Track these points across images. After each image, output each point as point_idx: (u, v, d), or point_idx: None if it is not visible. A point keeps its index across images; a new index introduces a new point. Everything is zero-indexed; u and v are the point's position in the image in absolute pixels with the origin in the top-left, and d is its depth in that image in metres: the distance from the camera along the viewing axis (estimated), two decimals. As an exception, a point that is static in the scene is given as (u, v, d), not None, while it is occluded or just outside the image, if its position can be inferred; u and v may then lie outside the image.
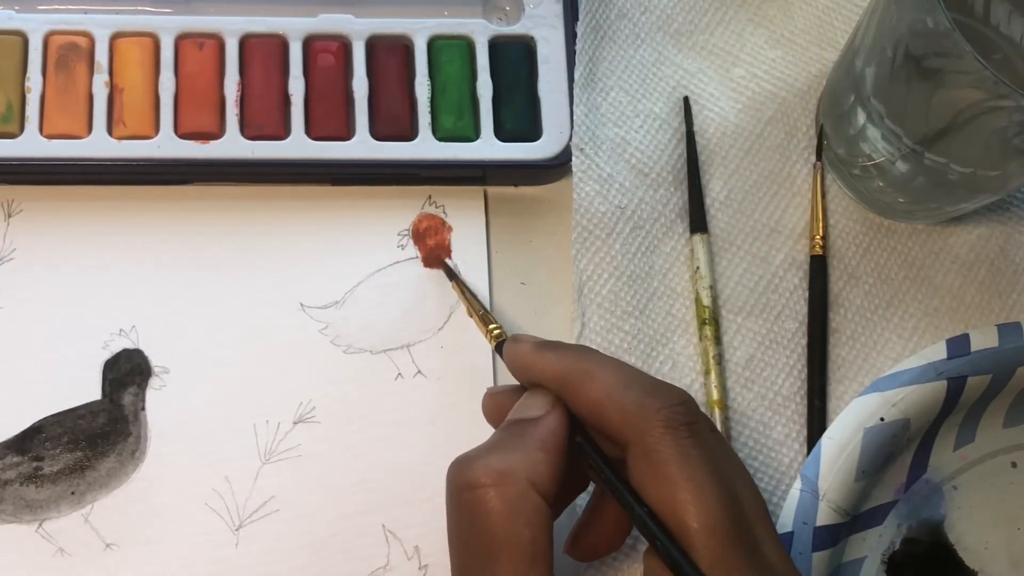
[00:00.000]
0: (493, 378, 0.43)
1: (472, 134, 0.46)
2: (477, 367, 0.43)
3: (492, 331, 0.39)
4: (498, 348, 0.39)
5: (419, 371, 0.43)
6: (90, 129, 0.44)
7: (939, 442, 0.43)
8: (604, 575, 0.40)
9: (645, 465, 0.31)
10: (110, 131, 0.44)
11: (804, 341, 0.45)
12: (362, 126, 0.45)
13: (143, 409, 0.42)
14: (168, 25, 0.45)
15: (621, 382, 0.32)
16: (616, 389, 0.32)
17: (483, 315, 0.41)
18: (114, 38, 0.45)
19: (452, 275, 0.44)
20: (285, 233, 0.45)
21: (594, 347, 0.43)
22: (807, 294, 0.45)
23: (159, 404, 0.42)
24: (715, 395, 0.43)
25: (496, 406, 0.36)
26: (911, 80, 0.39)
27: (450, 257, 0.45)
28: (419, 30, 0.47)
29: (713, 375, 0.43)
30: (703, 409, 0.43)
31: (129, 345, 0.43)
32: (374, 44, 0.47)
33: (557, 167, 0.46)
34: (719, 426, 0.42)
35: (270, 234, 0.45)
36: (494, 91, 0.46)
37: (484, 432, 0.42)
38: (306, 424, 0.42)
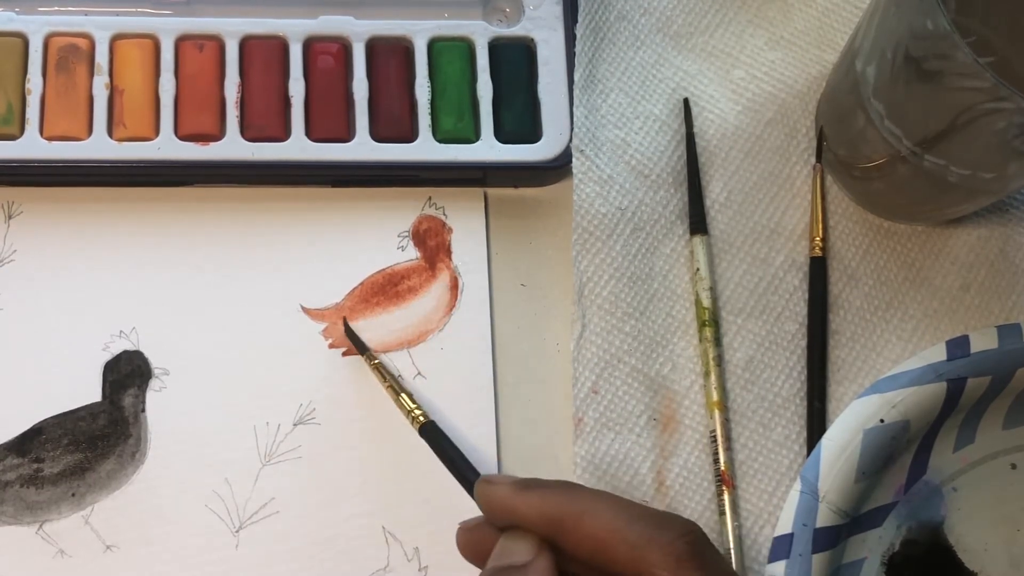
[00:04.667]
0: (493, 381, 0.43)
1: (472, 136, 0.46)
2: (477, 368, 0.43)
3: (413, 414, 0.40)
4: (421, 431, 0.40)
5: (419, 372, 0.43)
6: (90, 131, 0.44)
7: (939, 443, 0.43)
8: None
9: None
10: (110, 133, 0.44)
11: (804, 342, 0.45)
12: (362, 128, 0.45)
13: (143, 411, 0.42)
14: (168, 27, 0.45)
15: (623, 516, 0.31)
16: (619, 524, 0.31)
17: (403, 397, 0.41)
18: (114, 40, 0.45)
19: (363, 349, 0.43)
20: (285, 235, 0.45)
21: (594, 348, 0.43)
22: (807, 296, 0.45)
23: (159, 406, 0.42)
24: (715, 396, 0.43)
25: (475, 543, 0.35)
26: (911, 82, 0.39)
27: (450, 258, 0.45)
28: (419, 32, 0.47)
29: (713, 376, 0.43)
30: (703, 410, 0.43)
31: (129, 347, 0.43)
32: (374, 46, 0.47)
33: (557, 169, 0.46)
34: (718, 428, 0.42)
35: (270, 236, 0.45)
36: (494, 93, 0.46)
37: (482, 435, 0.42)
38: (306, 426, 0.42)
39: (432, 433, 0.40)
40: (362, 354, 0.43)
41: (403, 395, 0.41)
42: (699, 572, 0.30)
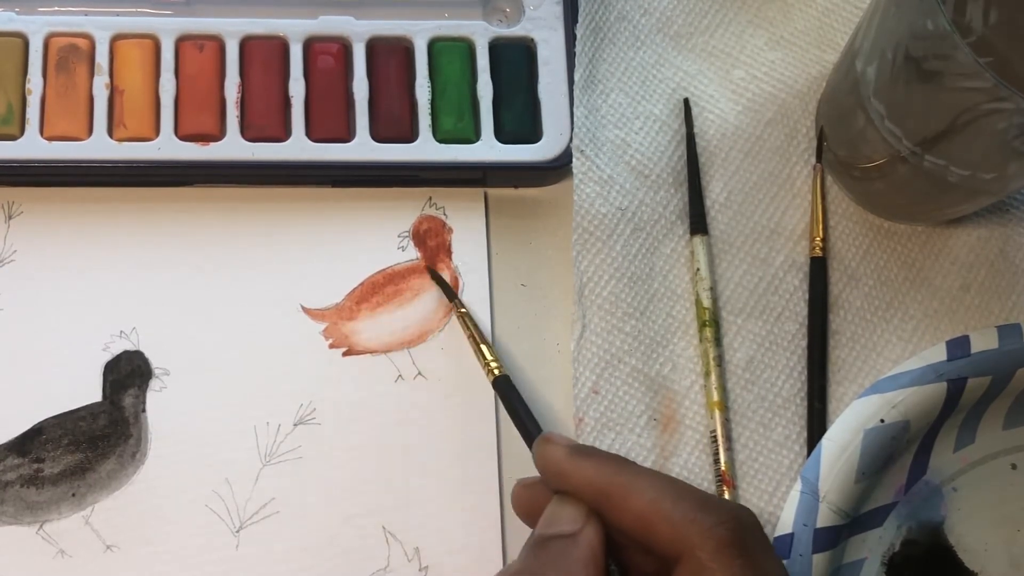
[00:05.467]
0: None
1: (472, 136, 0.46)
2: (477, 369, 0.43)
3: (490, 366, 0.41)
4: (495, 383, 0.41)
5: (419, 372, 0.43)
6: (90, 131, 0.44)
7: (939, 444, 0.43)
8: None
9: None
10: (110, 133, 0.44)
11: (804, 343, 0.45)
12: (362, 128, 0.45)
13: (143, 411, 0.42)
14: (168, 27, 0.45)
15: (670, 495, 0.31)
16: (665, 502, 0.31)
17: (484, 347, 0.42)
18: (114, 40, 0.45)
19: (452, 295, 0.44)
20: (285, 235, 0.45)
21: (595, 348, 0.43)
22: (807, 296, 0.45)
23: (159, 406, 0.42)
24: (715, 396, 0.43)
25: (528, 500, 0.35)
26: (911, 82, 0.39)
27: (450, 258, 0.45)
28: (419, 32, 0.47)
29: (713, 377, 0.43)
30: (703, 410, 0.43)
31: (129, 347, 0.43)
32: (374, 46, 0.47)
33: (557, 169, 0.46)
34: (719, 428, 0.42)
35: (270, 236, 0.45)
36: (494, 93, 0.46)
37: (483, 435, 0.42)
38: (306, 426, 0.42)
39: (504, 387, 0.41)
40: (451, 301, 0.43)
41: (483, 346, 0.42)
42: (739, 559, 0.30)
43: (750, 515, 0.32)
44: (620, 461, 0.34)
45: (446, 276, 0.45)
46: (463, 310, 0.43)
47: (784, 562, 0.39)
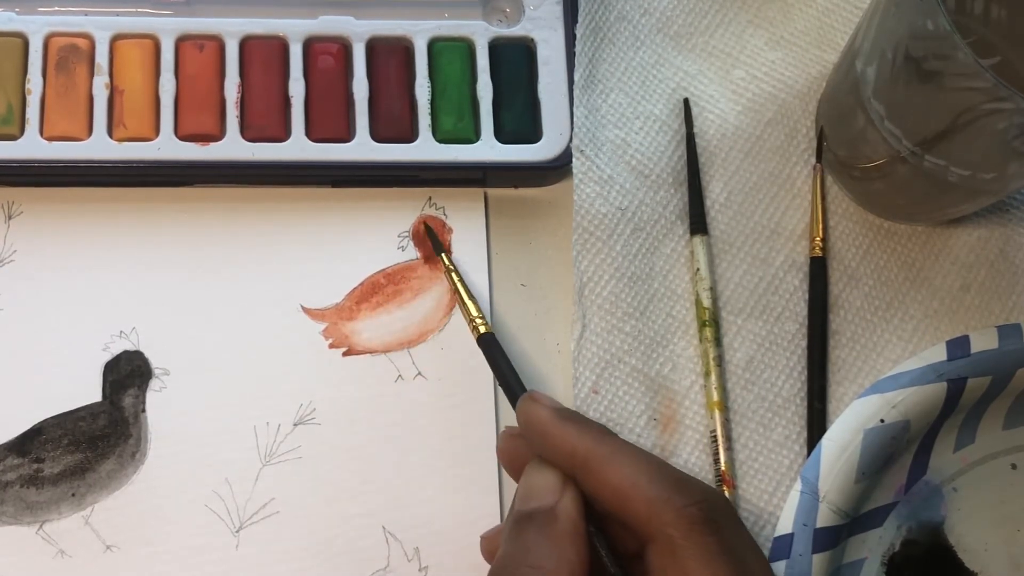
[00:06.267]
0: (493, 381, 0.43)
1: (472, 136, 0.46)
2: (477, 369, 0.43)
3: (475, 322, 0.41)
4: (479, 340, 0.40)
5: (419, 373, 0.43)
6: (90, 131, 0.44)
7: (939, 444, 0.43)
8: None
9: (670, 561, 0.31)
10: (110, 133, 0.44)
11: (804, 343, 0.45)
12: (362, 128, 0.45)
13: (143, 411, 0.42)
14: (168, 27, 0.45)
15: (646, 472, 0.32)
16: (641, 479, 0.32)
17: (470, 303, 0.42)
18: (114, 40, 0.45)
19: (440, 249, 0.44)
20: (285, 235, 0.45)
21: (595, 348, 0.43)
22: (807, 296, 0.45)
23: (159, 406, 0.42)
24: (715, 396, 0.43)
25: (511, 449, 0.36)
26: (911, 82, 0.39)
27: (450, 258, 0.45)
28: (419, 32, 0.47)
29: (713, 377, 0.43)
30: (703, 410, 0.43)
31: (129, 347, 0.43)
32: (374, 46, 0.47)
33: (557, 169, 0.46)
34: (719, 428, 0.42)
35: (270, 236, 0.45)
36: (494, 93, 0.46)
37: (483, 435, 0.42)
38: (306, 426, 0.42)
39: (489, 344, 0.41)
40: (438, 255, 0.43)
41: (469, 301, 0.42)
42: (712, 536, 0.30)
43: (721, 496, 0.32)
44: (602, 431, 0.34)
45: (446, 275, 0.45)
46: (450, 266, 0.43)
47: (784, 562, 0.39)
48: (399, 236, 0.45)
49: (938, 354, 0.42)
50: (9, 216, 0.44)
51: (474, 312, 0.42)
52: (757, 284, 0.45)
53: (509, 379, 0.40)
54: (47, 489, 0.40)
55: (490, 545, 0.37)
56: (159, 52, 0.45)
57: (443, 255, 0.43)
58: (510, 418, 0.43)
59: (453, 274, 0.43)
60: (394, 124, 0.46)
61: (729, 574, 0.30)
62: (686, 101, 0.48)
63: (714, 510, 0.31)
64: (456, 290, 0.42)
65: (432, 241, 0.44)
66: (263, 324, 0.43)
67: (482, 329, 0.41)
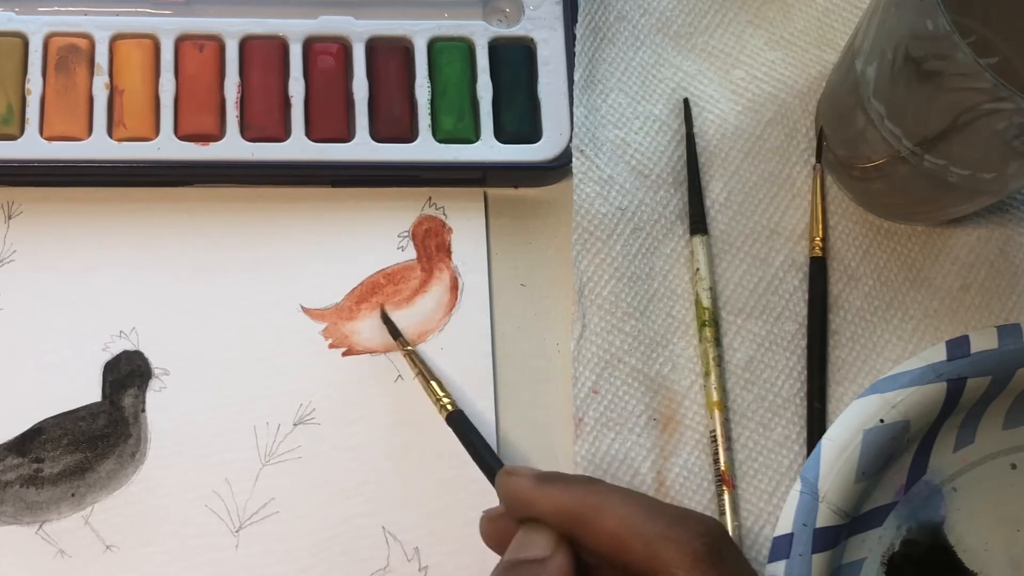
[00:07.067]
0: (493, 380, 0.43)
1: (472, 136, 0.46)
2: (477, 368, 0.43)
3: (442, 402, 0.41)
4: (448, 419, 0.40)
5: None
6: (90, 131, 0.44)
7: (939, 444, 0.43)
8: None
9: None
10: (110, 133, 0.44)
11: (804, 343, 0.45)
12: (362, 128, 0.45)
13: (143, 411, 0.42)
14: (168, 27, 0.45)
15: (640, 513, 0.31)
16: (636, 520, 0.31)
17: (433, 384, 0.42)
18: (114, 40, 0.45)
19: (397, 335, 0.43)
20: (285, 235, 0.45)
21: (595, 348, 0.43)
22: (807, 296, 0.45)
23: (159, 406, 0.42)
24: (715, 396, 0.43)
25: (496, 532, 0.35)
26: (911, 82, 0.39)
27: (450, 258, 0.45)
28: (419, 32, 0.47)
29: (713, 376, 0.43)
30: (703, 410, 0.43)
31: (129, 347, 0.43)
32: (374, 46, 0.47)
33: (557, 169, 0.46)
34: (718, 428, 0.42)
35: (270, 236, 0.45)
36: (494, 93, 0.46)
37: (484, 433, 0.42)
38: (306, 426, 0.42)
39: (459, 422, 0.41)
40: (395, 340, 0.43)
41: (433, 383, 0.42)
42: (715, 569, 0.30)
43: (719, 525, 0.32)
44: (589, 481, 0.34)
45: (446, 276, 0.45)
46: (409, 348, 0.43)
47: (784, 562, 0.39)
48: (399, 236, 0.45)
49: (938, 354, 0.42)
50: (9, 216, 0.44)
51: (440, 393, 0.41)
52: (757, 284, 0.45)
53: (484, 455, 0.39)
54: (47, 489, 0.40)
55: (490, 526, 0.36)
56: (159, 52, 0.45)
57: (400, 339, 0.43)
58: (510, 418, 0.43)
59: (414, 356, 0.42)
60: (394, 124, 0.46)
61: None
62: (686, 101, 0.48)
63: (716, 541, 0.31)
64: (420, 372, 0.42)
65: (389, 328, 0.43)
66: (263, 324, 0.43)
67: (450, 408, 0.41)
